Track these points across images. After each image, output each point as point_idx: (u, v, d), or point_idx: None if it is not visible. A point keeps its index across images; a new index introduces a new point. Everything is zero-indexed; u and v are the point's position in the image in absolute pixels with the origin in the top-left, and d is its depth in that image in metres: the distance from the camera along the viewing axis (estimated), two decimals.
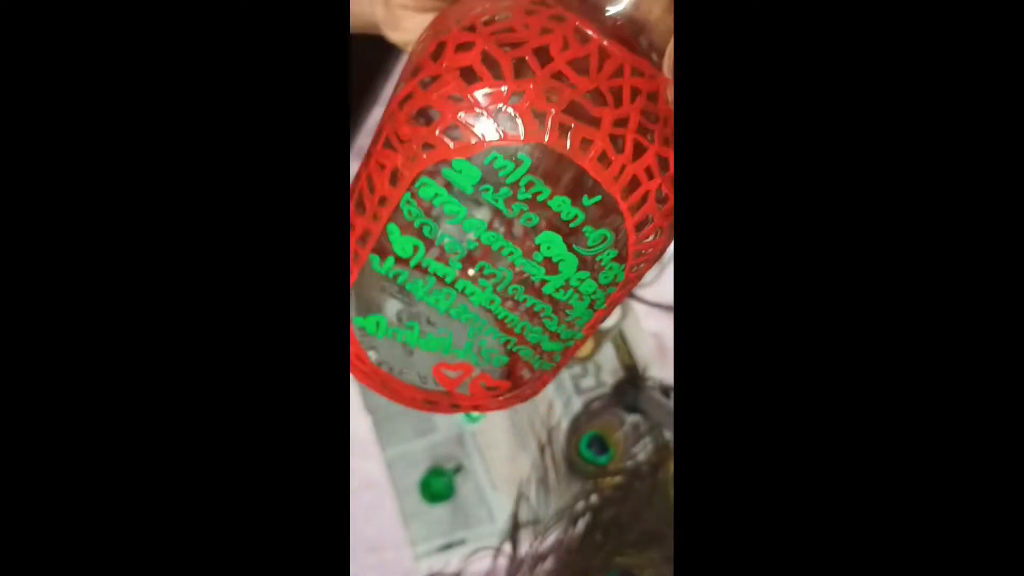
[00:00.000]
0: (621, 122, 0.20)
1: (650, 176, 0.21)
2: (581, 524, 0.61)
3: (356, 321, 0.23)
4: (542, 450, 0.61)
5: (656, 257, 0.23)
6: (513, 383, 0.25)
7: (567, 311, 0.23)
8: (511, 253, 0.22)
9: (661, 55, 0.22)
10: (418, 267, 0.22)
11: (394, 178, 0.21)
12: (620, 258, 0.22)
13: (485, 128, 0.20)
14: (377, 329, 0.24)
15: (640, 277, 0.24)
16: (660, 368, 0.59)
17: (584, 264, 0.22)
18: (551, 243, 0.22)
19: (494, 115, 0.20)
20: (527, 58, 0.19)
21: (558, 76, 0.20)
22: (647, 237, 0.22)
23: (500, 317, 0.23)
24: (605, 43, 0.20)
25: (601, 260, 0.22)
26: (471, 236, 0.21)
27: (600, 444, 0.60)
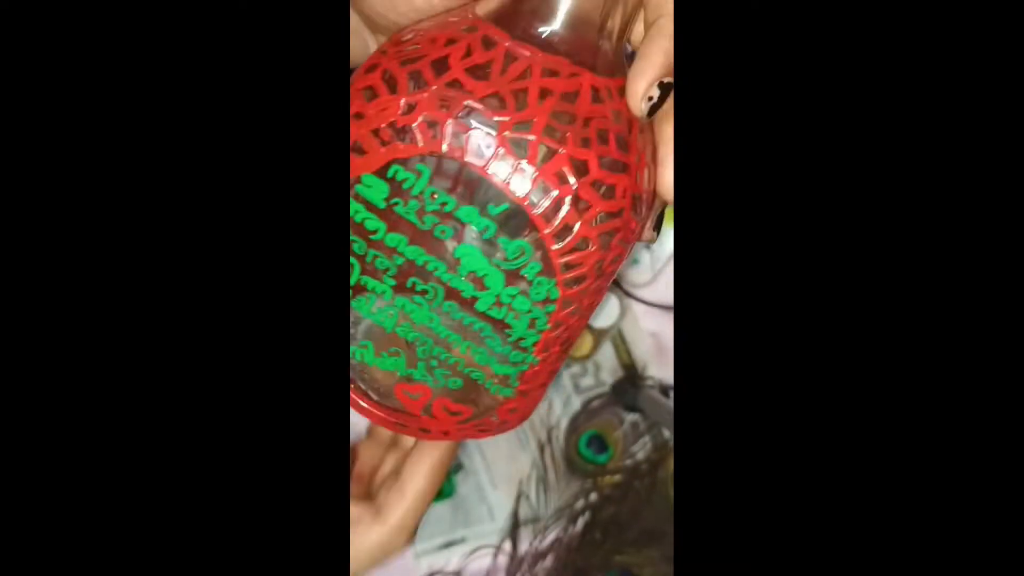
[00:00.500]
0: (523, 125, 0.19)
1: (563, 181, 0.19)
2: (580, 522, 0.61)
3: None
4: (542, 449, 0.61)
5: (602, 272, 0.21)
6: (477, 409, 0.24)
7: (507, 331, 0.22)
8: (436, 268, 0.21)
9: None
10: (358, 285, 0.22)
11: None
12: (546, 272, 0.21)
13: (385, 142, 0.20)
14: (364, 357, 0.23)
15: (596, 295, 0.22)
16: (659, 367, 0.59)
17: (511, 279, 0.21)
18: (469, 256, 0.21)
19: (391, 129, 0.19)
20: (422, 71, 0.19)
21: (453, 84, 0.19)
22: (570, 248, 0.20)
23: (443, 336, 0.22)
24: (509, 46, 0.19)
25: (526, 275, 0.21)
26: (396, 251, 0.21)
27: (599, 443, 0.60)
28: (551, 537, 0.61)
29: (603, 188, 0.20)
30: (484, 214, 0.20)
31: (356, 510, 0.25)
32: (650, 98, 0.20)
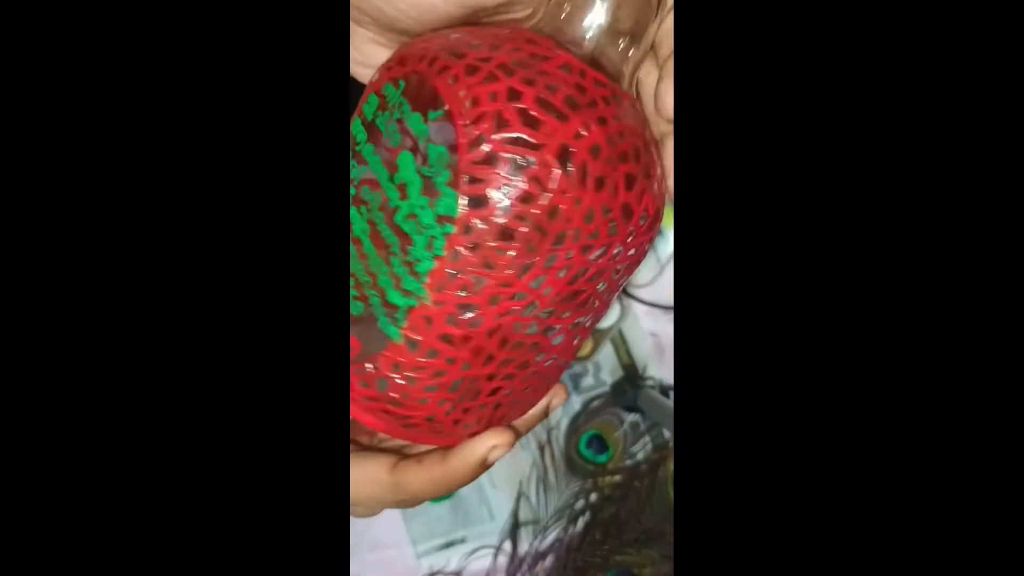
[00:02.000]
0: (484, 60, 0.21)
1: (493, 99, 0.20)
2: (581, 522, 0.61)
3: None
4: (542, 449, 0.61)
5: (504, 192, 0.21)
6: (362, 349, 0.24)
7: (408, 247, 0.22)
8: (380, 174, 0.22)
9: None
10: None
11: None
12: (452, 183, 0.21)
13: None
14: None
15: (485, 231, 0.21)
16: (658, 367, 0.60)
17: (426, 188, 0.21)
18: (404, 163, 0.22)
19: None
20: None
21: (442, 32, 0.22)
22: (478, 160, 0.20)
23: (365, 250, 0.23)
24: None
25: (437, 182, 0.21)
26: (362, 157, 0.23)
27: (599, 443, 0.60)
28: (551, 537, 0.61)
29: (530, 119, 0.21)
30: (425, 121, 0.21)
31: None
32: None
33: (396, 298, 0.22)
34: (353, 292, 0.24)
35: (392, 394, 0.24)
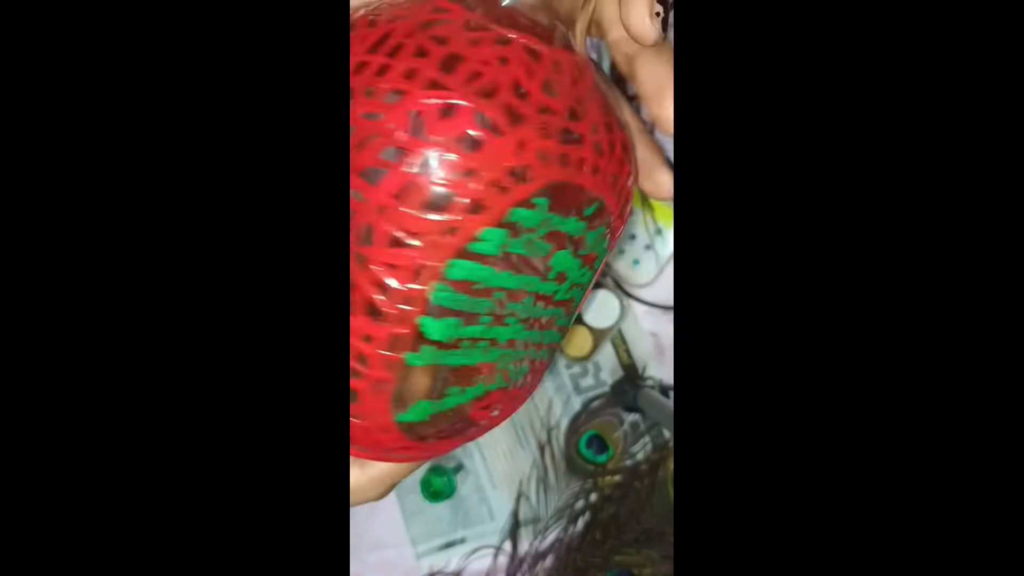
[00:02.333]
0: (595, 128, 0.20)
1: (622, 165, 0.21)
2: (581, 522, 0.61)
3: (400, 418, 0.22)
4: (542, 449, 0.61)
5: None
6: (530, 387, 0.24)
7: (572, 305, 0.23)
8: (531, 284, 0.21)
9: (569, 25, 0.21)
10: (456, 339, 0.21)
11: (418, 273, 0.20)
12: (611, 244, 0.23)
13: (502, 187, 0.19)
14: (422, 413, 0.22)
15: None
16: (659, 368, 0.59)
17: (585, 262, 0.22)
18: (562, 260, 0.21)
19: (507, 173, 0.19)
20: (512, 102, 0.19)
21: (544, 110, 0.19)
22: (626, 212, 0.23)
23: (523, 339, 0.22)
24: (547, 53, 0.20)
25: (597, 253, 0.22)
26: (502, 288, 0.20)
27: (599, 443, 0.60)
28: (551, 537, 0.61)
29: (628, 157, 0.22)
30: (581, 218, 0.21)
31: None
32: (657, 14, 0.20)
33: (555, 338, 0.24)
34: (521, 357, 0.23)
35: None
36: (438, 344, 0.20)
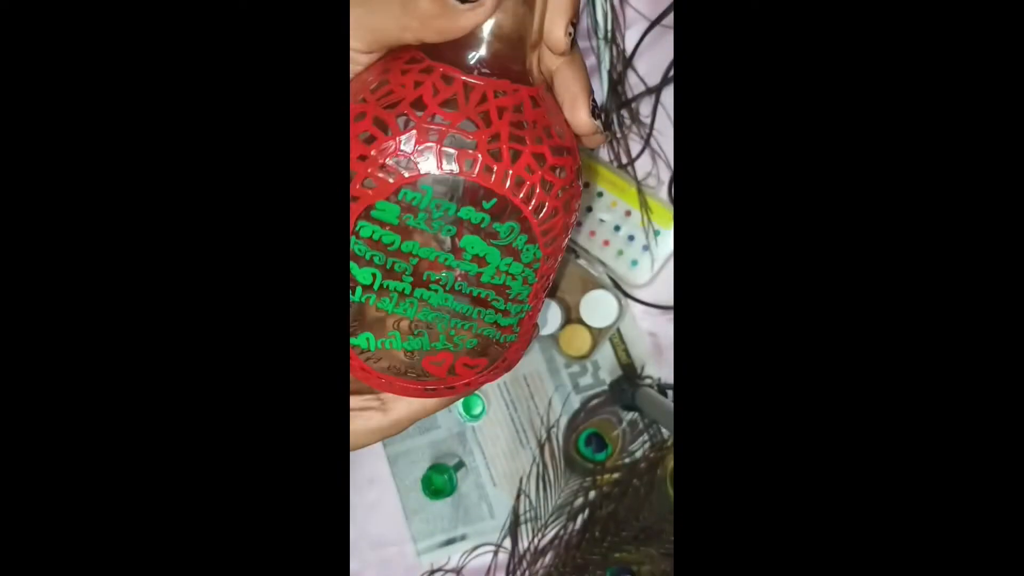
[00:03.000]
0: (494, 138, 0.25)
1: (531, 171, 0.25)
2: (580, 520, 0.61)
3: (351, 342, 0.28)
4: (541, 447, 0.62)
5: (566, 228, 0.28)
6: (489, 358, 0.30)
7: (507, 291, 0.28)
8: (446, 259, 0.27)
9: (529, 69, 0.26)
10: (381, 288, 0.27)
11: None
12: (532, 239, 0.27)
13: (391, 173, 0.25)
14: (368, 344, 0.29)
15: (558, 248, 0.29)
16: (657, 367, 0.60)
17: (505, 252, 0.27)
18: (473, 244, 0.27)
19: (395, 163, 0.25)
20: (407, 112, 0.25)
21: (434, 118, 0.25)
22: (548, 219, 0.26)
23: (457, 310, 0.28)
24: (465, 79, 0.25)
25: (516, 245, 0.27)
26: (412, 254, 0.26)
27: (598, 441, 0.60)
28: (551, 534, 0.61)
29: (558, 170, 0.26)
30: (480, 210, 0.25)
31: (364, 401, 0.31)
32: (568, 33, 0.26)
33: (509, 321, 0.29)
34: (464, 327, 0.29)
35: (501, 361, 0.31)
36: (365, 287, 0.26)
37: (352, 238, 0.26)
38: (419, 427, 0.65)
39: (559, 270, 0.58)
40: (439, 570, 0.64)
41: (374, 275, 0.27)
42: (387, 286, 0.27)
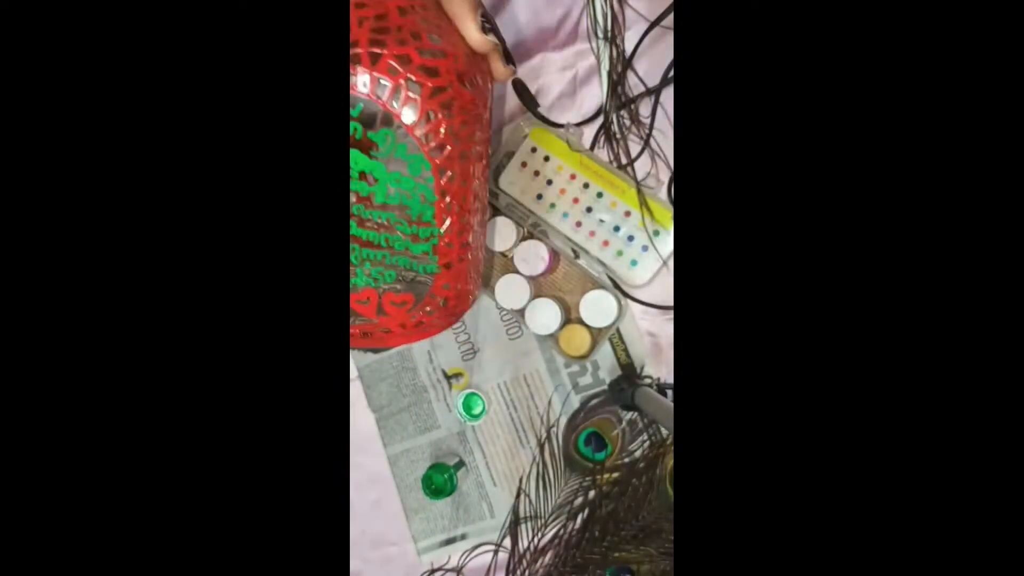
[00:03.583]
0: (353, 44, 0.25)
1: (393, 72, 0.25)
2: (579, 519, 0.61)
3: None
4: (541, 446, 0.62)
5: (458, 136, 0.27)
6: (415, 294, 0.29)
7: (407, 210, 0.27)
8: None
9: None
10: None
11: None
12: (413, 148, 0.26)
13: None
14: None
15: (469, 163, 0.28)
16: (656, 367, 0.60)
17: (390, 165, 0.26)
18: (356, 160, 0.26)
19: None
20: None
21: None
22: (424, 122, 0.26)
23: (366, 239, 0.28)
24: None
25: (400, 156, 0.26)
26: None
27: (598, 440, 0.60)
28: (550, 534, 0.61)
29: (428, 70, 0.26)
30: (350, 119, 0.25)
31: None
32: (484, 29, 0.27)
33: (421, 248, 0.28)
34: (378, 258, 0.28)
35: (437, 301, 0.31)
36: None
37: None
38: (420, 426, 0.65)
39: (558, 270, 0.59)
40: (439, 569, 0.64)
41: None
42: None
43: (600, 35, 0.55)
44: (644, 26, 0.55)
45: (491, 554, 0.63)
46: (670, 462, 0.59)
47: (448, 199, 0.28)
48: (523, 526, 0.62)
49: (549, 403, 0.62)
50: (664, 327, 0.59)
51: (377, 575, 0.66)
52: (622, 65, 0.56)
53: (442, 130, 0.26)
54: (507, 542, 0.62)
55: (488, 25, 0.27)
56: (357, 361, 0.65)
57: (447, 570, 0.64)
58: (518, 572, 0.62)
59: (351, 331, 0.29)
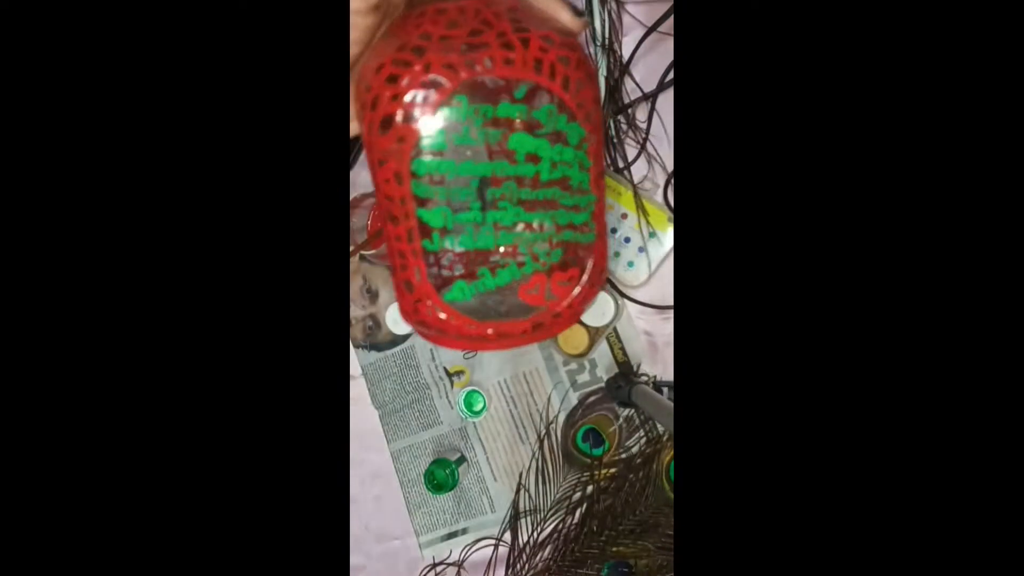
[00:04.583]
0: (501, 34, 0.25)
1: (544, 51, 0.25)
2: (578, 514, 0.61)
3: (445, 297, 0.27)
4: (540, 442, 0.62)
5: (596, 100, 0.27)
6: (580, 267, 0.29)
7: (568, 182, 0.27)
8: (502, 168, 0.26)
9: None
10: (443, 230, 0.26)
11: (398, 178, 0.25)
12: (571, 117, 0.26)
13: (428, 92, 0.25)
14: (463, 293, 0.28)
15: (597, 125, 0.28)
16: (652, 365, 0.60)
17: (553, 139, 0.26)
18: (521, 142, 0.26)
19: (422, 91, 0.25)
20: (415, 44, 0.25)
21: (445, 39, 0.25)
22: (576, 90, 0.26)
23: (530, 222, 0.27)
24: (458, 4, 0.25)
25: (560, 128, 0.26)
26: (471, 177, 0.26)
27: (595, 437, 0.60)
28: (549, 528, 0.62)
29: (568, 46, 0.26)
30: (514, 101, 0.25)
31: None
32: (580, 13, 0.27)
33: (582, 217, 0.28)
34: (544, 238, 0.28)
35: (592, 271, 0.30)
36: (441, 231, 0.26)
37: (413, 182, 0.25)
38: (422, 423, 0.65)
39: None
40: (441, 563, 0.65)
41: (444, 214, 0.26)
42: (460, 220, 0.26)
43: (598, 41, 0.56)
44: (641, 32, 0.56)
45: (492, 548, 0.64)
46: (666, 458, 0.59)
47: (597, 166, 0.28)
48: (523, 521, 0.62)
49: (548, 400, 0.63)
50: (660, 326, 0.60)
51: (380, 569, 0.67)
52: (619, 71, 0.57)
53: (590, 98, 0.27)
54: (507, 536, 0.63)
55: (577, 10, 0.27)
56: (361, 359, 0.66)
57: (449, 564, 0.65)
58: (518, 566, 0.62)
59: (523, 325, 0.28)
